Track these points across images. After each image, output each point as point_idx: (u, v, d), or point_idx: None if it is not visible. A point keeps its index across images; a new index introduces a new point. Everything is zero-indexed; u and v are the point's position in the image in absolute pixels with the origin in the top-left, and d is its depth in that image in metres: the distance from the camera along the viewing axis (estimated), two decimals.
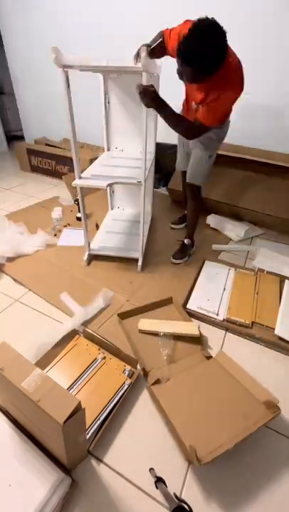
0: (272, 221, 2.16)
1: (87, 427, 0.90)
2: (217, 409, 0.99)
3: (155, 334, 1.26)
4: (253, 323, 1.35)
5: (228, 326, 1.36)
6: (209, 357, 1.19)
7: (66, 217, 2.27)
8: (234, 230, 2.12)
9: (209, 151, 1.54)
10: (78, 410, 0.66)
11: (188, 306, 1.45)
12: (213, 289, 1.56)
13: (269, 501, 0.82)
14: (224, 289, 1.56)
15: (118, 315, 1.35)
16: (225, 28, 1.01)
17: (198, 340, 1.26)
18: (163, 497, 0.78)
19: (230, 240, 2.08)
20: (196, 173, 1.60)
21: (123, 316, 1.36)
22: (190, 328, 1.29)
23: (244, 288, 1.56)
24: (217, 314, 1.40)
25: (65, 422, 0.63)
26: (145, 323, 1.31)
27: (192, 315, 1.41)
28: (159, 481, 0.80)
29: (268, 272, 1.67)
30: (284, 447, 0.95)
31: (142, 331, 1.29)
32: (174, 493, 0.73)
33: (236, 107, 1.33)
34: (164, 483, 0.80)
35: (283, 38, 1.96)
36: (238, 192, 2.22)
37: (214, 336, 1.33)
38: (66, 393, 0.69)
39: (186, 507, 0.66)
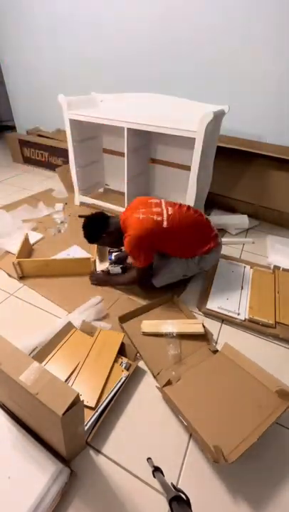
0: (268, 213, 2.17)
1: (85, 419, 0.91)
2: (232, 403, 0.99)
3: (159, 335, 1.25)
4: (276, 323, 1.33)
5: (250, 326, 1.33)
6: (215, 351, 1.19)
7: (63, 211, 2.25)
8: (234, 222, 2.12)
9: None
10: (77, 402, 0.66)
11: (207, 306, 1.41)
12: (231, 288, 1.52)
13: (266, 493, 0.84)
14: (242, 287, 1.54)
15: (118, 319, 1.30)
16: None
17: (203, 335, 1.25)
18: (160, 486, 0.79)
19: (227, 232, 2.08)
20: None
21: (123, 319, 1.31)
22: (194, 326, 1.27)
23: (263, 286, 1.54)
24: (238, 314, 1.37)
25: (63, 414, 0.63)
26: (148, 324, 1.28)
27: (212, 315, 1.39)
28: (157, 470, 0.81)
29: (283, 270, 1.66)
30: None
31: (145, 334, 1.26)
32: (172, 483, 0.74)
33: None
34: (162, 472, 0.81)
35: None
36: (233, 184, 2.22)
37: (209, 328, 1.33)
38: (64, 385, 0.69)
39: (183, 496, 0.67)
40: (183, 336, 1.24)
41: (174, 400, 0.99)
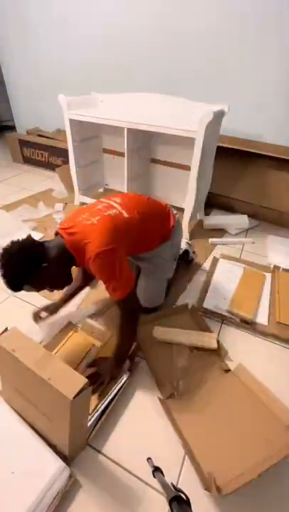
0: (268, 213, 2.16)
1: None
2: (238, 432, 0.92)
3: (170, 343, 1.20)
4: (278, 323, 1.33)
5: (246, 326, 1.33)
6: (228, 370, 1.12)
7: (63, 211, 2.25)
8: (234, 222, 2.12)
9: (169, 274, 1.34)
10: (86, 388, 0.70)
11: (204, 305, 1.41)
12: (229, 288, 1.52)
13: (266, 492, 0.84)
14: None
15: None
16: None
17: (216, 351, 1.19)
18: (160, 486, 0.79)
19: (227, 232, 2.08)
20: (156, 295, 1.34)
21: None
22: (208, 339, 1.21)
23: (250, 285, 1.54)
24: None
25: (74, 397, 0.66)
26: (160, 330, 1.24)
27: (209, 314, 1.39)
28: (157, 470, 0.81)
29: (283, 270, 1.66)
30: None
31: (156, 339, 1.22)
32: (172, 483, 0.75)
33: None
34: (162, 472, 0.81)
35: None
36: (233, 184, 2.22)
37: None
38: (74, 373, 0.72)
39: (183, 496, 0.67)
40: (194, 349, 1.19)
41: (174, 415, 0.96)
